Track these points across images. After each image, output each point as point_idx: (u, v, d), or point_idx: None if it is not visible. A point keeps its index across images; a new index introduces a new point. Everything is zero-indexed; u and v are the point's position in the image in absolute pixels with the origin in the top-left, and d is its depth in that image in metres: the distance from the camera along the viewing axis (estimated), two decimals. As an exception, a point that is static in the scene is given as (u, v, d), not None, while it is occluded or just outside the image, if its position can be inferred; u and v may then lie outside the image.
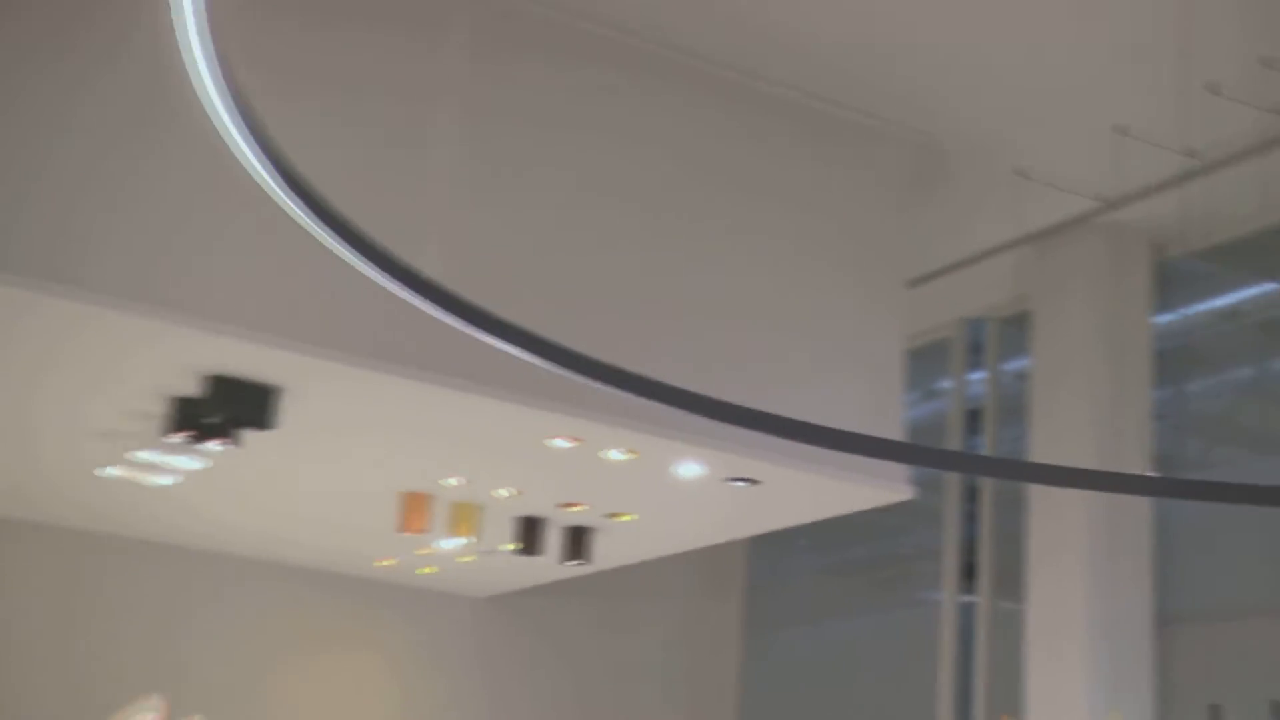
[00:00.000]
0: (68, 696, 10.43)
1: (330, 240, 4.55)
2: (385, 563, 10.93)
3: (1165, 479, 9.27)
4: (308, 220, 4.51)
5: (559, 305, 7.06)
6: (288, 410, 7.51)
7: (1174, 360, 9.78)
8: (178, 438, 7.69)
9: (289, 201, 4.58)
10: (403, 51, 7.29)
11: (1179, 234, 9.13)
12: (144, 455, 8.39)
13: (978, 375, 11.01)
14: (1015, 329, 10.43)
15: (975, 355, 11.01)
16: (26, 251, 6.49)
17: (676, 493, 8.63)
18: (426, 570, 10.90)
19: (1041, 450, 9.46)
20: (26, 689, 10.41)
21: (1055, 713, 9.05)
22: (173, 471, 8.71)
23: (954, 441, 10.96)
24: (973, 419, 10.98)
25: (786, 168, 8.34)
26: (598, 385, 4.96)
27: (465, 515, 9.17)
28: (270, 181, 4.58)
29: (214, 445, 7.62)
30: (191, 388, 7.38)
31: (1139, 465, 9.19)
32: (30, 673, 10.44)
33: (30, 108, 6.71)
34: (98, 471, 8.88)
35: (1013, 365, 10.62)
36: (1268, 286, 9.69)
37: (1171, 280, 9.74)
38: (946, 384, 11.21)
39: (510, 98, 7.55)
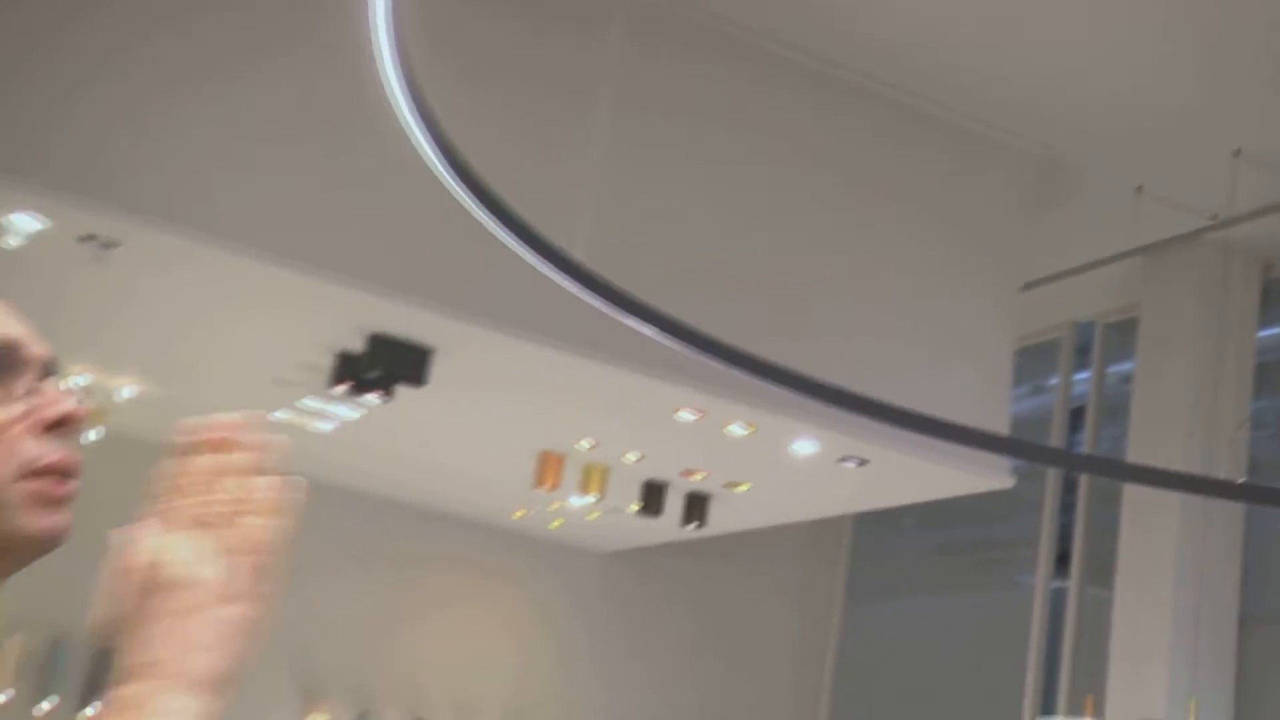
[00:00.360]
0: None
1: (491, 222, 5.08)
2: (518, 515, 10.99)
3: (1253, 485, 9.17)
4: (473, 205, 5.05)
5: (698, 287, 7.32)
6: (439, 370, 7.72)
7: (1276, 372, 9.86)
8: (340, 389, 8.00)
9: (458, 189, 5.12)
10: (568, 47, 7.42)
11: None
12: (310, 403, 8.76)
13: (1083, 375, 11.00)
14: (1123, 334, 10.46)
15: (1082, 357, 11.01)
16: (229, 220, 6.79)
17: (790, 468, 8.77)
18: (555, 524, 11.03)
19: (1138, 450, 9.50)
20: None
21: (1135, 698, 9.12)
22: (333, 419, 9.06)
23: (1057, 437, 10.95)
24: (1076, 417, 10.97)
25: (917, 172, 8.48)
26: (723, 365, 5.46)
27: (594, 475, 9.32)
28: (442, 171, 5.11)
29: (371, 398, 7.89)
30: (355, 345, 7.68)
31: (1234, 471, 8.93)
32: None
33: (240, 104, 6.98)
34: (274, 414, 9.08)
35: (1117, 369, 10.61)
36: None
37: (1277, 297, 9.81)
38: (1053, 381, 11.20)
39: (659, 92, 7.70)
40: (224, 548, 1.09)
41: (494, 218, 5.02)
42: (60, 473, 1.25)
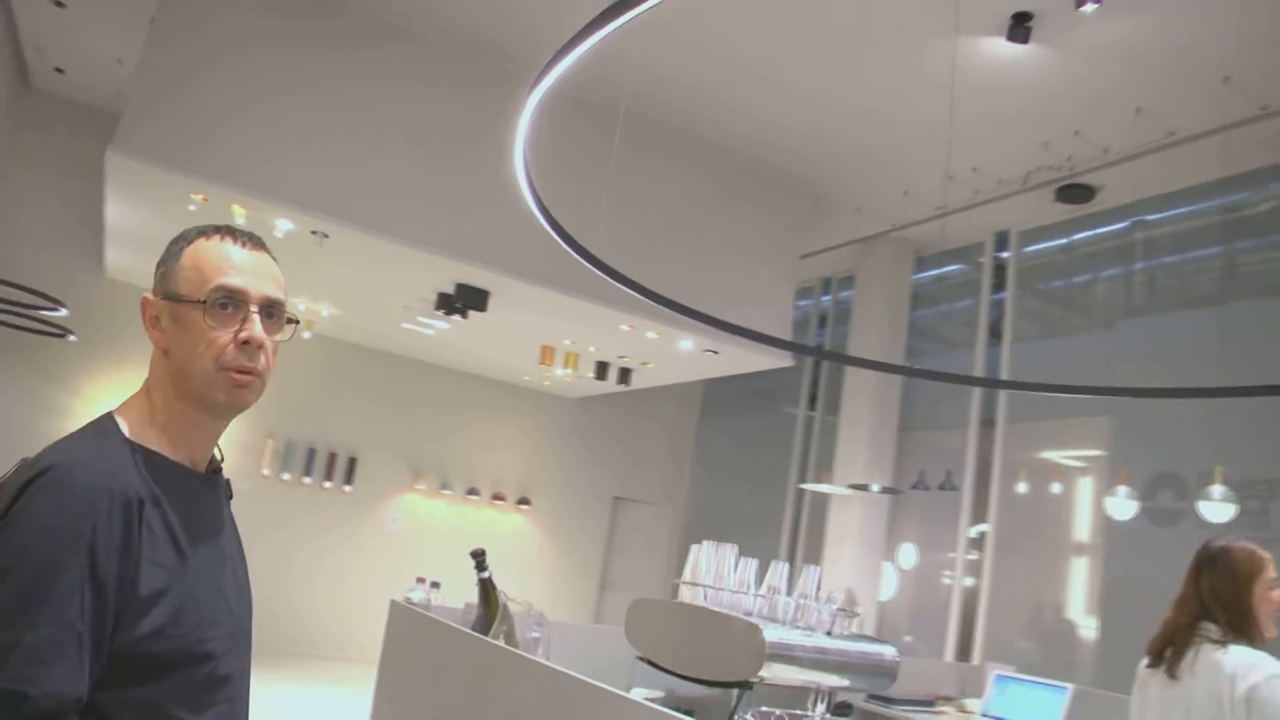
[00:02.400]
0: (353, 426, 10.57)
1: (549, 227, 4.81)
2: (527, 378, 11.05)
3: (906, 366, 8.86)
4: (539, 215, 4.74)
5: (636, 263, 6.36)
6: (494, 303, 7.81)
7: (925, 300, 9.87)
8: (439, 312, 8.10)
9: (535, 209, 4.73)
10: (588, 145, 7.06)
11: (932, 245, 9.46)
12: (423, 319, 8.83)
13: (827, 299, 11.11)
14: (848, 284, 10.50)
15: (826, 290, 11.13)
16: (385, 219, 6.72)
17: (677, 354, 8.78)
18: (546, 383, 11.10)
19: (854, 342, 9.67)
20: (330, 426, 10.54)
21: (848, 472, 9.17)
22: (435, 328, 9.08)
23: (812, 334, 11.08)
24: (823, 322, 11.13)
25: (753, 200, 8.41)
26: (645, 299, 5.30)
27: (571, 358, 9.38)
28: (528, 197, 4.70)
29: (457, 317, 8.00)
30: (448, 288, 7.79)
31: (903, 358, 9.72)
32: (339, 419, 10.53)
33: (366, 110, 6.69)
34: (404, 325, 9.26)
35: (845, 296, 10.51)
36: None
37: (921, 265, 9.84)
38: (812, 301, 11.20)
39: (625, 176, 7.23)
40: None
41: (549, 224, 4.81)
42: (241, 370, 1.34)
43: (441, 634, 3.07)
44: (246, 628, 1.45)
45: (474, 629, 3.07)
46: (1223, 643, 2.66)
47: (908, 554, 9.32)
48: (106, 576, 1.20)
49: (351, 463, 10.59)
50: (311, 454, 10.43)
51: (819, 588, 2.59)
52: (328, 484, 10.44)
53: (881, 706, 4.93)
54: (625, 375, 9.73)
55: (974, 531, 8.66)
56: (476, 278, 7.46)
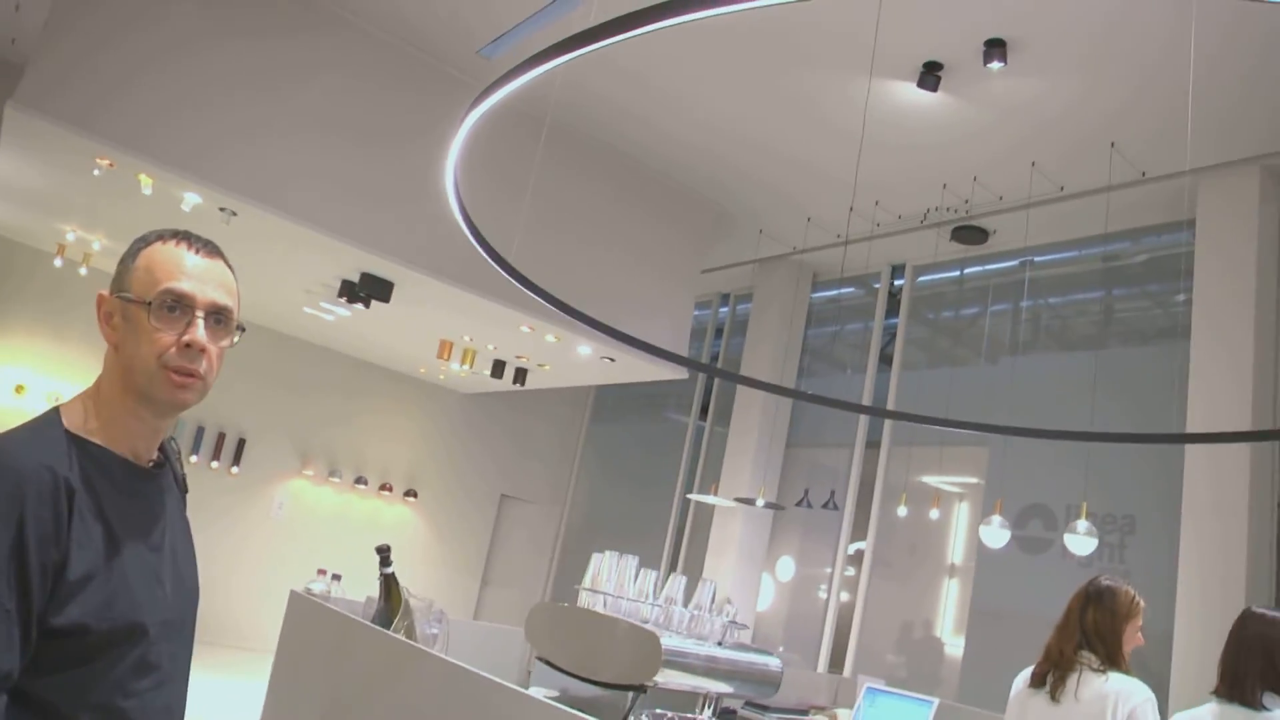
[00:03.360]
0: (273, 407, 10.45)
1: (474, 240, 4.85)
2: (423, 370, 11.06)
3: (790, 388, 9.40)
4: (458, 216, 4.75)
5: (541, 269, 6.53)
6: (397, 294, 7.79)
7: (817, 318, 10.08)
8: (340, 299, 8.03)
9: (457, 211, 4.74)
10: (512, 153, 7.09)
11: (830, 271, 9.73)
12: (324, 304, 8.78)
13: (725, 310, 11.14)
14: (746, 298, 10.58)
15: (725, 303, 11.21)
16: (298, 203, 6.64)
17: (574, 359, 8.81)
18: (441, 376, 11.10)
19: (748, 356, 9.78)
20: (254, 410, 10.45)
21: (734, 484, 9.34)
22: (335, 314, 9.02)
23: (708, 346, 11.13)
24: (719, 333, 11.17)
25: (658, 215, 8.55)
26: (544, 302, 5.25)
27: (469, 355, 9.33)
28: (452, 199, 4.71)
29: (359, 306, 7.91)
30: (353, 276, 7.76)
31: (792, 379, 9.94)
32: (255, 403, 10.34)
33: (316, 130, 6.73)
34: (305, 309, 9.22)
35: (744, 308, 10.60)
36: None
37: (819, 286, 9.99)
38: (709, 313, 11.30)
39: (548, 181, 7.43)
40: None
41: (467, 226, 4.80)
42: (181, 371, 1.39)
43: (343, 626, 3.14)
44: (184, 618, 1.48)
45: (375, 622, 3.12)
46: (1102, 670, 2.94)
47: (785, 567, 9.46)
48: (34, 556, 1.23)
49: (240, 444, 10.45)
50: (200, 432, 10.27)
51: (713, 600, 2.76)
52: (214, 464, 10.29)
53: (758, 714, 5.17)
54: (521, 375, 9.77)
55: (852, 549, 8.90)
56: (382, 268, 7.43)
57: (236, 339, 1.47)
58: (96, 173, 6.34)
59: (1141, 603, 3.07)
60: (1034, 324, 8.33)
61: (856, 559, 8.88)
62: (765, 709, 5.12)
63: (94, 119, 5.91)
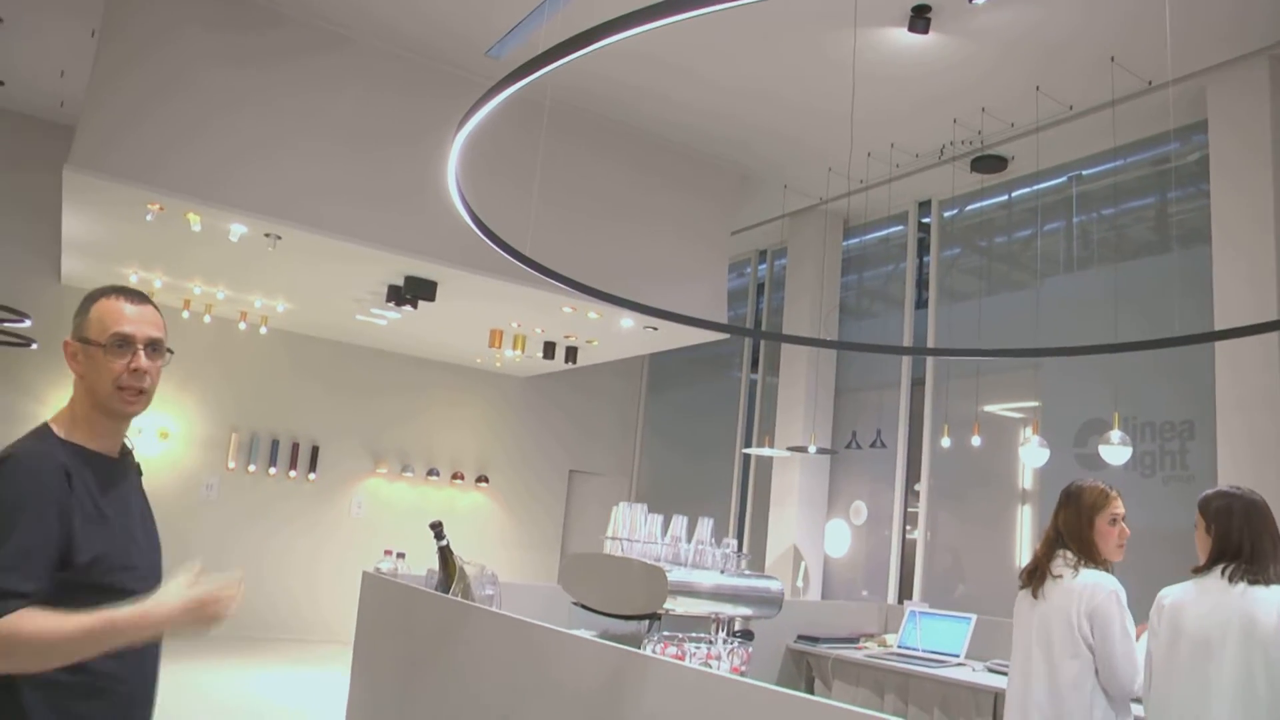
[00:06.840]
0: (314, 405, 10.88)
1: (482, 235, 5.03)
2: (479, 360, 11.34)
3: (832, 340, 9.62)
4: (467, 218, 4.88)
5: (574, 259, 7.31)
6: (441, 292, 8.05)
7: (850, 270, 10.13)
8: (389, 304, 8.31)
9: (464, 211, 4.91)
10: (520, 139, 7.19)
11: (858, 216, 9.85)
12: (375, 310, 9.08)
13: (764, 267, 11.37)
14: (780, 255, 10.87)
15: (762, 261, 11.38)
16: (340, 221, 7.00)
17: (619, 332, 9.05)
18: (498, 364, 11.37)
19: (788, 314, 9.95)
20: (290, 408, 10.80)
21: (788, 434, 9.57)
22: (386, 318, 9.34)
23: (751, 305, 11.28)
24: (760, 290, 11.36)
25: (690, 186, 8.72)
26: (589, 290, 5.51)
27: (519, 340, 9.59)
28: (457, 202, 4.82)
29: (408, 308, 8.17)
30: (398, 281, 8.02)
31: (828, 329, 9.92)
32: (299, 398, 10.77)
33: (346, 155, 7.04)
34: (357, 316, 9.52)
35: (781, 263, 10.74)
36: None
37: (849, 233, 10.20)
38: (749, 270, 11.47)
39: (559, 167, 7.64)
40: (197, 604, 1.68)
41: (477, 227, 4.92)
42: (130, 389, 1.88)
43: (408, 596, 3.65)
44: (156, 561, 1.98)
45: (436, 590, 3.57)
46: (1074, 568, 3.18)
47: (857, 512, 9.58)
48: (55, 520, 1.72)
49: (314, 451, 10.85)
50: (275, 445, 10.68)
51: (711, 535, 3.22)
52: (292, 474, 10.69)
53: (809, 645, 5.62)
54: (572, 354, 10.06)
55: (918, 487, 9.10)
56: (424, 270, 7.68)
57: (168, 359, 1.96)
58: (149, 218, 6.79)
59: (1112, 494, 3.28)
60: (1084, 239, 8.20)
61: (918, 496, 9.09)
62: (815, 639, 5.56)
63: (142, 170, 6.36)
